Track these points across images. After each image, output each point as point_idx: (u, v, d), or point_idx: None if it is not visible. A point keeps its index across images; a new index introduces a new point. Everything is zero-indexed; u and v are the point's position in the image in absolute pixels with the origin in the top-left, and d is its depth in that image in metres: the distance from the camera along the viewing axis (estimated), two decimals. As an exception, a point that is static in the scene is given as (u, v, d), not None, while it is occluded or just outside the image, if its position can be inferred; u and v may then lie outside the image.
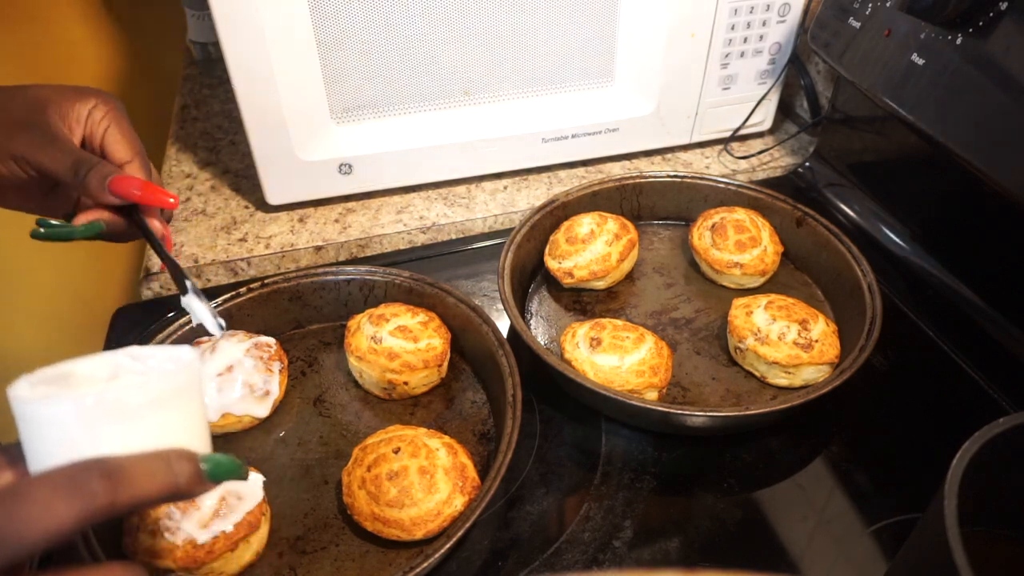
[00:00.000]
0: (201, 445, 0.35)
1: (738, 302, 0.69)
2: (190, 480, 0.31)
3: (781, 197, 0.79)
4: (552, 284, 0.77)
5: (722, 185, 0.82)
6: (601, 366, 0.62)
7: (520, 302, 0.73)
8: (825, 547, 0.55)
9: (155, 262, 0.78)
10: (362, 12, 0.73)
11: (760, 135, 1.00)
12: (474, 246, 0.85)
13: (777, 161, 0.96)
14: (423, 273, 0.69)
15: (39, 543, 0.26)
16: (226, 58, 0.71)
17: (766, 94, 0.92)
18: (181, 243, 0.81)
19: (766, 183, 0.92)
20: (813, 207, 0.78)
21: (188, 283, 0.54)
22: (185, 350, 0.36)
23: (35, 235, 0.50)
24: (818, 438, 0.63)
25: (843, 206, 0.87)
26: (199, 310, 0.54)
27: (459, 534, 0.50)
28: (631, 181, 0.83)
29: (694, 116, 0.91)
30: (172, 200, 0.52)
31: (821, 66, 0.94)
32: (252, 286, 0.68)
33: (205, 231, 0.82)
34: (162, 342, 0.63)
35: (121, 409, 0.31)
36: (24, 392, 0.32)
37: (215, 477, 0.33)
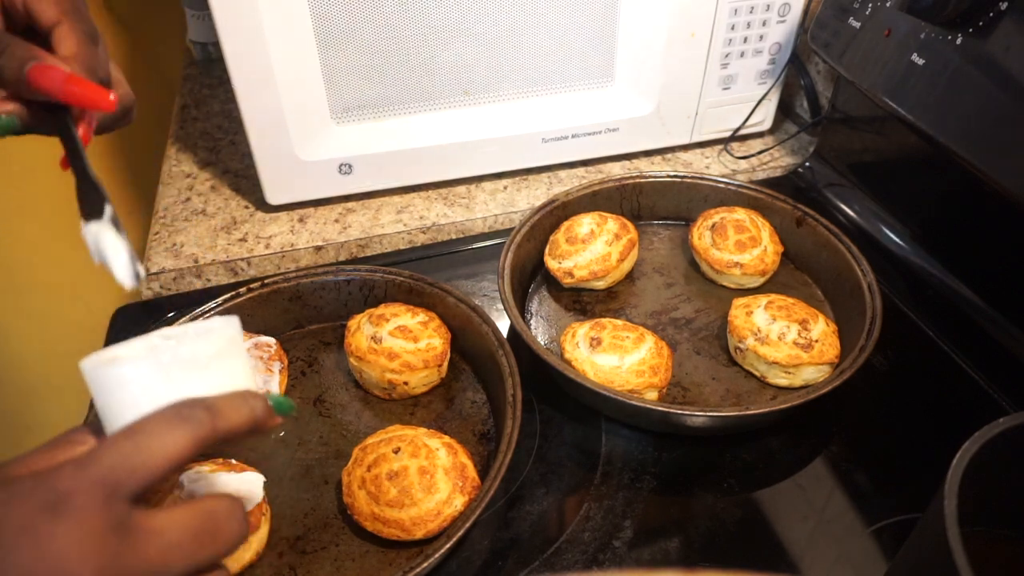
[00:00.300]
0: (254, 387, 0.38)
1: (738, 302, 0.69)
2: (265, 414, 0.35)
3: (781, 197, 0.79)
4: (552, 284, 0.77)
5: (722, 185, 0.82)
6: (601, 366, 0.62)
7: (520, 302, 0.73)
8: (825, 547, 0.55)
9: (155, 262, 0.78)
10: (362, 11, 0.73)
11: (760, 135, 1.00)
12: (474, 246, 0.85)
13: (777, 161, 0.96)
14: (423, 273, 0.69)
15: (164, 469, 0.30)
16: (226, 58, 0.71)
17: (766, 94, 0.93)
18: (181, 243, 0.81)
19: (766, 183, 0.92)
20: (813, 207, 0.78)
21: (108, 208, 0.40)
22: (216, 319, 0.38)
23: None
24: (818, 438, 0.63)
25: (843, 206, 0.87)
26: (111, 245, 0.40)
27: (459, 534, 0.50)
28: (631, 181, 0.83)
29: (694, 116, 0.91)
30: (110, 99, 0.41)
31: (821, 66, 0.94)
32: (252, 286, 0.68)
33: (205, 231, 0.82)
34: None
35: (195, 361, 0.35)
36: (98, 362, 0.34)
37: (280, 412, 0.36)
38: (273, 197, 0.82)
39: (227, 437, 0.32)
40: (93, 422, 0.34)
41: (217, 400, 0.33)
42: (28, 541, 0.27)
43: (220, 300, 0.67)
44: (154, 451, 0.29)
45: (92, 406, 0.35)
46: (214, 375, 0.35)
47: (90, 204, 0.40)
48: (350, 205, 0.86)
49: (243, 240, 0.81)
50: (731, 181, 0.82)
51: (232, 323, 0.38)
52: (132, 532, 0.28)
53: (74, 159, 0.42)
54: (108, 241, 0.40)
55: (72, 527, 0.27)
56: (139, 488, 0.29)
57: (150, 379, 0.33)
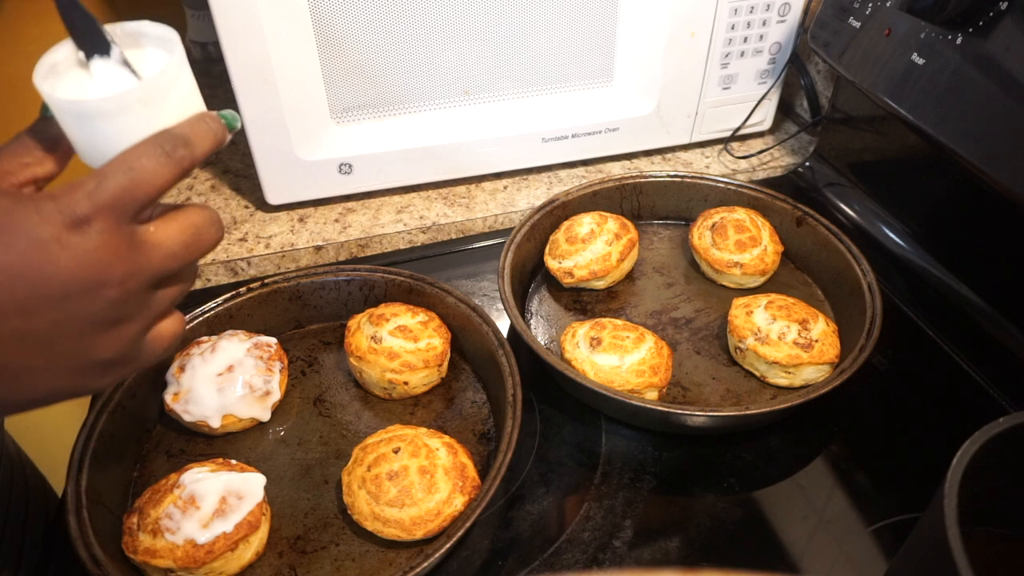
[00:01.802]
0: (202, 103, 0.41)
1: (738, 302, 0.69)
2: (223, 133, 0.40)
3: (781, 197, 0.79)
4: (552, 284, 0.77)
5: (722, 185, 0.82)
6: (601, 366, 0.62)
7: (520, 302, 0.73)
8: (825, 547, 0.55)
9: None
10: (362, 12, 0.73)
11: (760, 135, 1.00)
12: (474, 246, 0.85)
13: (777, 161, 0.96)
14: (423, 273, 0.69)
15: (158, 194, 0.36)
16: (226, 58, 0.71)
17: (766, 94, 0.92)
18: (181, 243, 0.81)
19: (766, 183, 0.92)
20: (813, 207, 0.78)
21: (114, 46, 0.38)
22: (150, 26, 0.40)
23: None
24: (818, 438, 0.63)
25: (843, 206, 0.87)
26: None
27: (459, 534, 0.50)
28: (631, 181, 0.83)
29: (694, 116, 0.91)
30: None
31: (821, 66, 0.94)
32: (252, 286, 0.68)
33: (205, 231, 0.82)
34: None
35: (159, 93, 0.38)
36: (68, 92, 0.37)
37: (231, 128, 0.41)
38: (273, 197, 0.82)
39: (200, 160, 0.39)
40: (50, 126, 0.39)
41: (189, 132, 0.38)
42: (65, 252, 0.33)
43: (220, 300, 0.67)
44: (148, 181, 0.36)
45: (45, 114, 0.39)
46: (175, 103, 0.39)
47: (86, 36, 0.38)
48: (350, 205, 0.86)
49: (243, 240, 0.81)
50: (731, 181, 0.82)
51: (175, 40, 0.39)
52: (141, 245, 0.36)
53: None
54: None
55: (97, 242, 0.34)
56: (139, 211, 0.36)
57: (130, 111, 0.37)
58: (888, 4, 0.71)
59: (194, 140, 0.38)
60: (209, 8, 0.67)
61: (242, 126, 0.75)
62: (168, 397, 0.60)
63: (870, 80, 0.72)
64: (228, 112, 0.41)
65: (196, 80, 0.40)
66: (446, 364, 0.66)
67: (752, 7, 0.84)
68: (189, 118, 0.39)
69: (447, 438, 0.57)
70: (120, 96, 0.36)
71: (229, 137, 0.41)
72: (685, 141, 0.94)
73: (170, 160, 0.36)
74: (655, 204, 0.85)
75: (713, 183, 0.82)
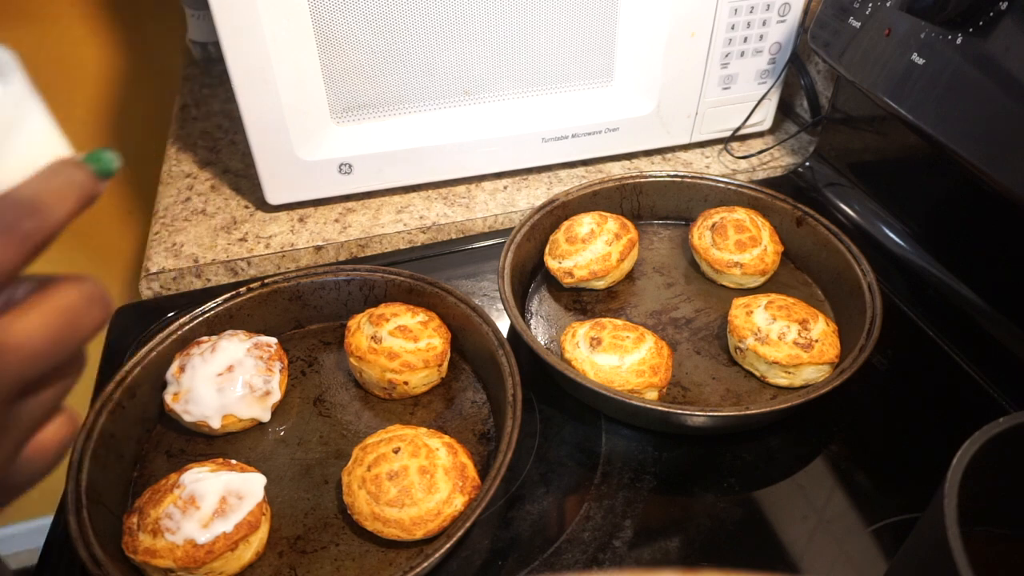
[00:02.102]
0: (64, 144, 0.31)
1: (738, 302, 0.69)
2: (90, 186, 0.30)
3: (781, 197, 0.79)
4: (552, 284, 0.77)
5: (722, 185, 0.82)
6: (601, 366, 0.62)
7: (520, 302, 0.73)
8: (825, 546, 0.55)
9: (155, 262, 0.78)
10: (362, 12, 0.73)
11: (760, 135, 1.00)
12: (474, 246, 0.85)
13: (777, 161, 0.96)
14: (423, 273, 0.69)
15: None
16: (226, 58, 0.71)
17: (766, 94, 0.93)
18: (181, 243, 0.81)
19: (766, 183, 0.92)
20: (813, 207, 0.78)
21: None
22: None
23: None
24: (818, 438, 0.63)
25: (843, 206, 0.87)
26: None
27: (459, 534, 0.50)
28: (631, 181, 0.83)
29: (694, 116, 0.91)
30: None
31: (821, 66, 0.94)
32: (252, 286, 0.68)
33: (205, 231, 0.82)
34: (163, 341, 0.63)
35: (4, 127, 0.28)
36: None
37: (105, 175, 0.31)
38: (273, 197, 0.82)
39: (56, 232, 0.29)
40: None
41: (37, 193, 0.28)
42: None
43: (220, 300, 0.67)
44: None
45: None
46: (18, 152, 0.29)
47: None
48: (350, 205, 0.86)
49: (243, 240, 0.81)
50: (731, 181, 0.82)
51: (11, 64, 0.29)
52: None
53: None
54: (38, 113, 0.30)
55: None
56: None
57: None
58: (888, 4, 0.71)
59: (47, 203, 0.28)
60: (209, 8, 0.67)
61: (242, 126, 0.75)
62: (168, 397, 0.60)
63: (870, 80, 0.72)
64: (101, 153, 0.31)
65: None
66: (446, 364, 0.66)
67: (752, 7, 0.84)
68: (41, 172, 0.29)
69: (447, 438, 0.57)
70: None
71: (104, 186, 0.31)
72: (685, 141, 0.94)
73: (11, 238, 0.27)
74: (655, 204, 0.85)
75: (713, 183, 0.82)
